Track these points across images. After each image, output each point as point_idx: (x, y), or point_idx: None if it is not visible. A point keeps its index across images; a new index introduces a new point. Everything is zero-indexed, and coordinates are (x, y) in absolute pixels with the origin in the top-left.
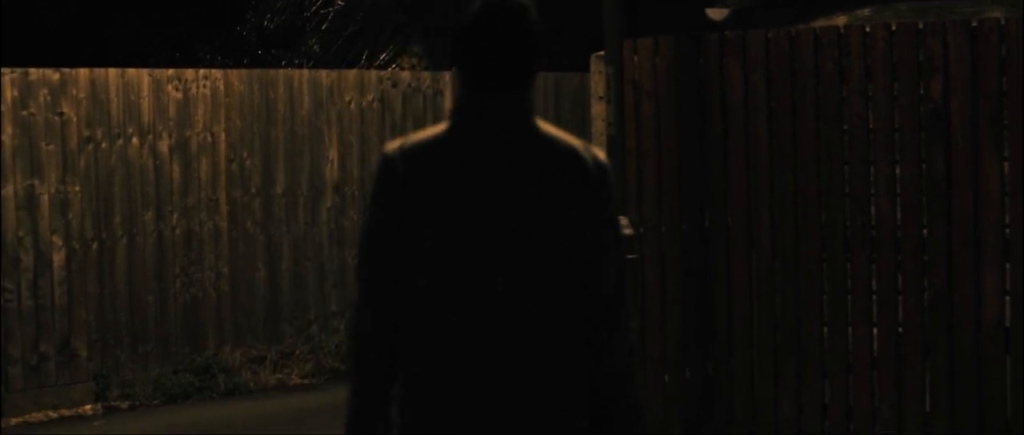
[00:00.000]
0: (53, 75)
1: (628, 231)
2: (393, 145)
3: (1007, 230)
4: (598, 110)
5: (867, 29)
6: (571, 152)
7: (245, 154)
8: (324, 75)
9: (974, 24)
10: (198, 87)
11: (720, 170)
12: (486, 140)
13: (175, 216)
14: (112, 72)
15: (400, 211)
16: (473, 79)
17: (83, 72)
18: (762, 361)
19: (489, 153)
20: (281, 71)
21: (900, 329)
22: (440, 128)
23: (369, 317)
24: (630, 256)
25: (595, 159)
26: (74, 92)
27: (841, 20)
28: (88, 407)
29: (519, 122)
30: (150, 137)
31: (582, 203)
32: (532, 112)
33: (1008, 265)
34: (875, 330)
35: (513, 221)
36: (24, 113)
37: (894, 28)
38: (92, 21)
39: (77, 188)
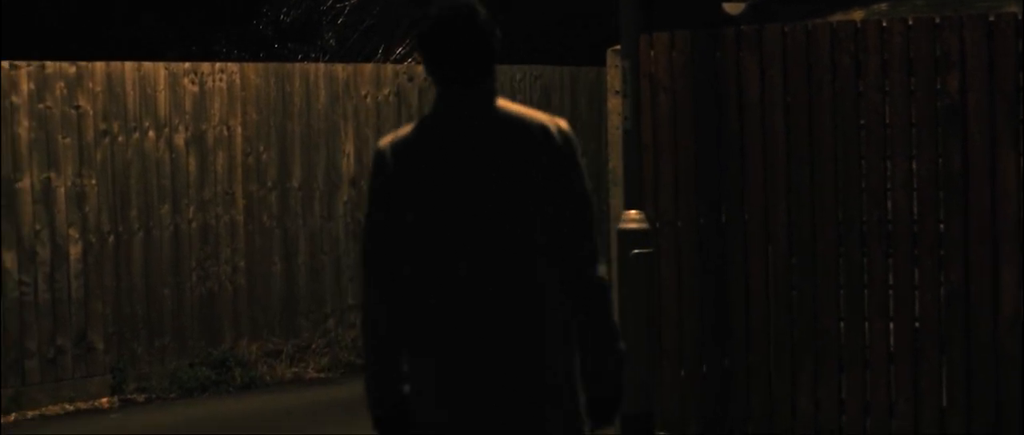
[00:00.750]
0: (69, 68)
1: (643, 225)
2: (385, 140)
3: None
4: (614, 104)
5: (884, 24)
6: (529, 125)
7: (261, 148)
8: (340, 69)
9: (991, 19)
10: (214, 80)
11: (736, 165)
12: (451, 130)
13: (191, 209)
14: (128, 65)
15: (389, 203)
16: (437, 78)
17: (99, 65)
18: (779, 356)
19: (453, 141)
20: (297, 65)
21: (917, 324)
22: (419, 123)
23: (377, 305)
24: (645, 251)
25: (557, 127)
26: (90, 85)
27: (858, 15)
28: (104, 400)
29: (480, 110)
30: (166, 130)
31: (542, 169)
32: (492, 99)
33: None
34: (892, 325)
35: (478, 200)
36: (41, 106)
37: (911, 23)
38: (109, 14)
39: (93, 181)
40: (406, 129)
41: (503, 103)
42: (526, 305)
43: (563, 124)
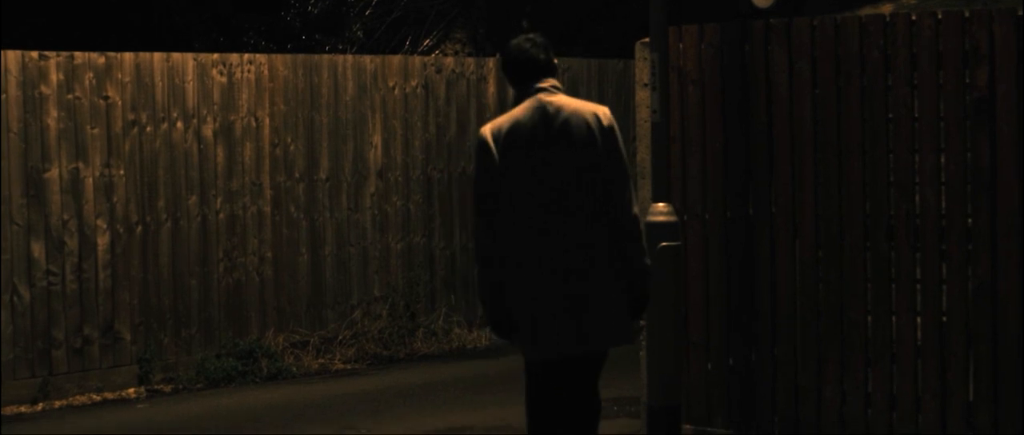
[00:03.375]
0: (98, 59)
1: (671, 218)
2: (487, 128)
3: None
4: (643, 97)
5: (913, 17)
6: (584, 112)
7: (289, 139)
8: (368, 60)
9: (1021, 13)
10: (242, 71)
11: (764, 158)
12: (534, 116)
13: (219, 200)
14: (157, 56)
15: (496, 167)
16: (518, 82)
17: (128, 56)
18: (805, 349)
19: (537, 123)
20: (325, 56)
21: (944, 319)
22: (510, 113)
23: (488, 239)
24: (673, 243)
25: (603, 113)
26: (119, 76)
27: (887, 8)
28: (131, 390)
29: (549, 102)
30: (194, 121)
31: (595, 143)
32: (555, 94)
33: None
34: (919, 319)
35: (558, 164)
36: (69, 97)
37: (940, 17)
38: (138, 5)
39: (121, 172)
40: (500, 120)
41: (562, 97)
42: (593, 238)
43: (605, 110)
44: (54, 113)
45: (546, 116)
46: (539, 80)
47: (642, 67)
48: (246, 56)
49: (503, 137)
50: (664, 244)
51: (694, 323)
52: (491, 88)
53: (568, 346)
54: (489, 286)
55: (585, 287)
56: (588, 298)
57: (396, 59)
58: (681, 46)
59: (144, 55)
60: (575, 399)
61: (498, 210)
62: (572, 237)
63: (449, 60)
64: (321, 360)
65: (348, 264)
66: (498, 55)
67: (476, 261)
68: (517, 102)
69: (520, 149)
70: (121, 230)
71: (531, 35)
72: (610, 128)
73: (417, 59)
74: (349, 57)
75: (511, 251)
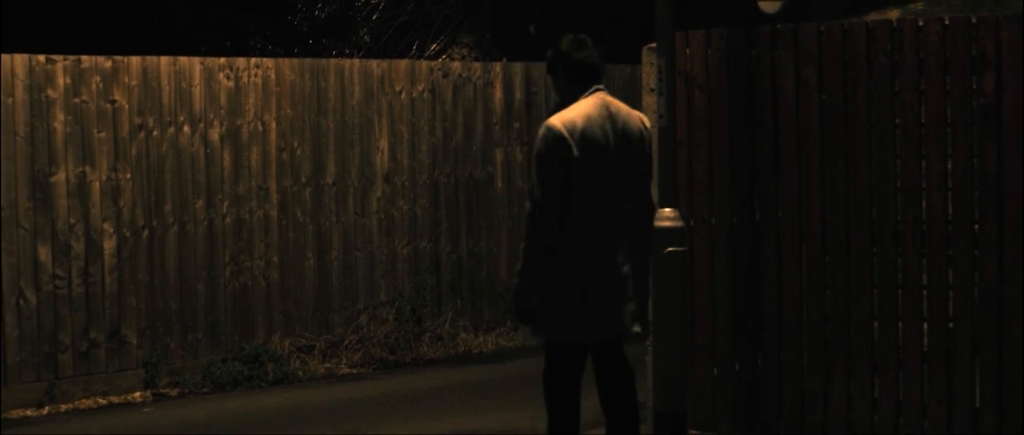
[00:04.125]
0: (105, 63)
1: (677, 223)
2: (558, 122)
3: None
4: (649, 102)
5: (920, 23)
6: (633, 115)
7: (296, 143)
8: (375, 65)
9: None
10: (249, 75)
11: (771, 164)
12: (596, 116)
13: (225, 204)
14: (164, 60)
15: (571, 160)
16: (574, 81)
17: (135, 60)
18: (812, 354)
19: (599, 123)
20: (332, 60)
21: (950, 325)
22: (572, 110)
23: (553, 229)
24: (679, 249)
25: (645, 120)
26: (126, 80)
27: (894, 13)
28: (137, 394)
29: (606, 101)
30: (201, 125)
31: (645, 147)
32: (609, 94)
33: None
34: (925, 325)
35: (618, 162)
36: (76, 100)
37: (947, 22)
38: (144, 9)
39: (128, 175)
40: (566, 115)
41: (615, 99)
42: (638, 231)
43: (644, 116)
44: (61, 117)
45: (611, 116)
46: (599, 81)
47: (649, 72)
48: (253, 60)
49: (578, 133)
50: (670, 249)
51: (700, 328)
52: (498, 93)
53: (619, 328)
54: (528, 280)
55: (628, 274)
56: (629, 284)
57: (403, 63)
58: (688, 51)
59: (151, 59)
60: (616, 368)
61: (567, 202)
62: (622, 229)
63: (456, 65)
64: (327, 364)
65: (354, 268)
66: (551, 54)
67: (533, 252)
68: (567, 101)
69: (593, 146)
70: (127, 234)
71: (582, 36)
72: (648, 132)
73: (424, 63)
74: (356, 61)
75: (571, 241)
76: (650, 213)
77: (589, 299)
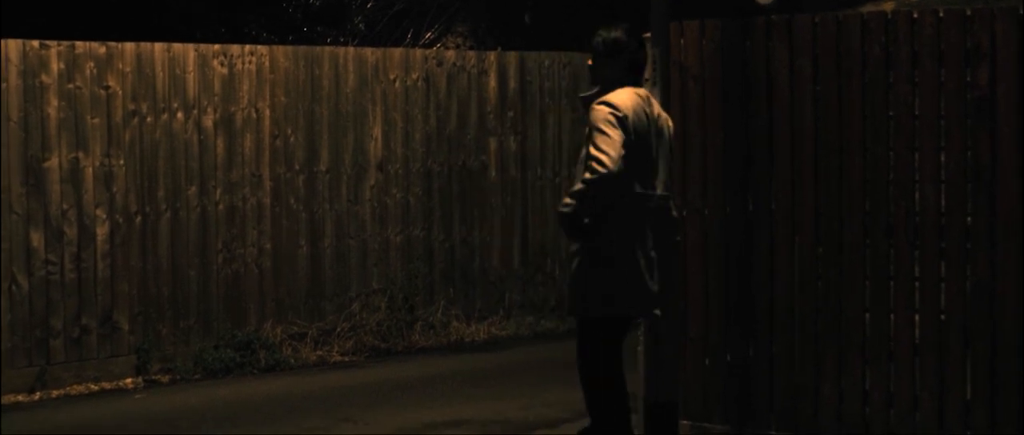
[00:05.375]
0: (99, 49)
1: (674, 214)
2: (614, 101)
3: None
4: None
5: (915, 15)
6: (663, 113)
7: (289, 130)
8: (369, 53)
9: (1022, 12)
10: (243, 63)
11: (765, 155)
12: (643, 106)
13: (218, 191)
14: (158, 46)
15: (627, 140)
16: (624, 71)
17: (129, 46)
18: (803, 346)
19: (646, 112)
20: (326, 48)
21: (942, 317)
22: (619, 97)
23: (611, 179)
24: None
25: (669, 120)
26: (120, 66)
27: (888, 5)
28: (129, 380)
29: (645, 93)
30: (195, 112)
31: (669, 143)
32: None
33: None
34: (917, 317)
35: (654, 151)
36: (70, 86)
37: (941, 15)
38: None
39: (121, 162)
40: (619, 100)
41: (645, 91)
42: (670, 219)
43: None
44: (54, 102)
45: (650, 107)
46: (643, 76)
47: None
48: (247, 47)
49: (630, 118)
50: None
51: (693, 318)
52: (492, 82)
53: (647, 307)
54: (588, 252)
55: (655, 258)
56: (655, 267)
57: (397, 52)
58: (682, 42)
59: (145, 45)
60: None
61: (621, 178)
62: (653, 215)
63: (450, 53)
64: (319, 352)
65: (347, 256)
66: (606, 41)
67: (591, 204)
68: (607, 90)
69: (639, 132)
70: (120, 220)
71: (640, 33)
72: (672, 131)
73: (418, 52)
74: (350, 49)
75: (614, 220)
76: (672, 204)
77: (625, 277)
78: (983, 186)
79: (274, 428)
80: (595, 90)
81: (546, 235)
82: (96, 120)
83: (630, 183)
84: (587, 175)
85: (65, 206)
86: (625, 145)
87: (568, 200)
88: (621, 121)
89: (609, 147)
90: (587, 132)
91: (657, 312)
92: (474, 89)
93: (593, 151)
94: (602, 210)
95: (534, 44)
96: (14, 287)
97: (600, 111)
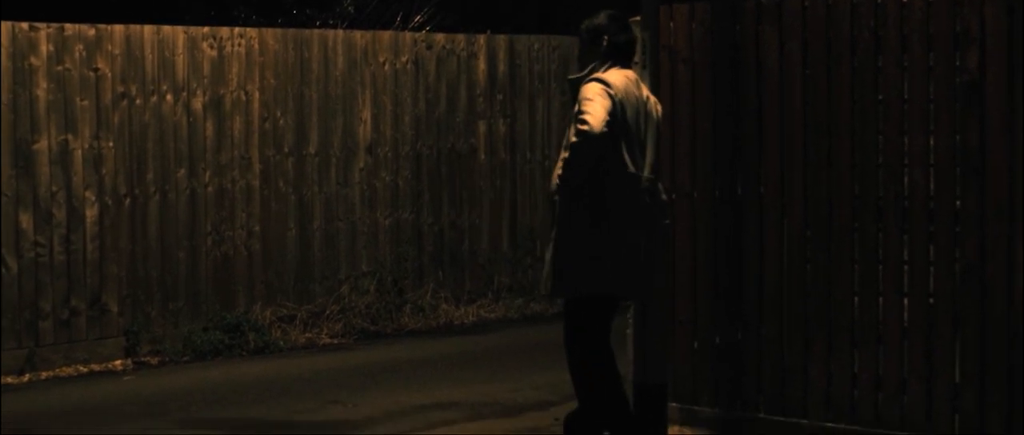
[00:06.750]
0: (88, 31)
1: (662, 197)
2: (607, 79)
3: None
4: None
5: None
6: (652, 97)
7: (278, 113)
8: (359, 36)
9: None
10: (233, 45)
11: (753, 138)
12: (633, 87)
13: (208, 174)
14: (147, 29)
15: (614, 117)
16: (614, 55)
17: (118, 28)
18: (792, 329)
19: (636, 93)
20: (316, 31)
21: (931, 300)
22: (614, 77)
23: (597, 142)
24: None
25: (658, 105)
26: (109, 48)
27: None
28: (118, 362)
29: (638, 78)
30: (184, 94)
31: (657, 127)
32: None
33: None
34: (906, 300)
35: (643, 133)
36: (59, 68)
37: None
38: None
39: (111, 144)
40: (611, 79)
41: (634, 75)
42: (658, 202)
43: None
44: (44, 85)
45: (640, 89)
46: (631, 61)
47: (635, 48)
48: (236, 30)
49: (620, 99)
50: None
51: (681, 301)
52: (481, 65)
53: (636, 287)
54: (576, 231)
55: (642, 239)
56: (642, 249)
57: (386, 35)
58: (672, 25)
59: (135, 28)
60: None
61: (604, 160)
62: (643, 196)
63: (440, 36)
64: (308, 334)
65: (336, 239)
66: (590, 27)
67: (580, 170)
68: (593, 69)
69: (628, 111)
70: (110, 202)
71: (624, 19)
72: (660, 116)
73: (408, 35)
74: (339, 32)
75: (602, 200)
76: (660, 187)
77: (615, 255)
78: (972, 170)
79: (263, 410)
80: (583, 73)
81: (535, 218)
82: (85, 102)
83: (620, 161)
84: (573, 138)
85: (54, 188)
86: (612, 115)
87: (558, 172)
88: (611, 96)
89: (595, 110)
90: (574, 111)
91: (648, 292)
92: (463, 72)
93: (580, 115)
94: (593, 186)
95: (521, 28)
96: (3, 269)
97: (591, 86)
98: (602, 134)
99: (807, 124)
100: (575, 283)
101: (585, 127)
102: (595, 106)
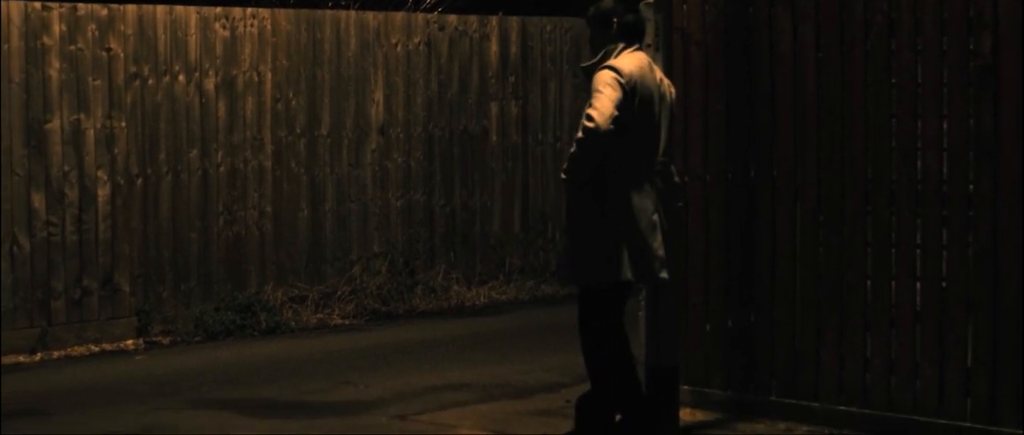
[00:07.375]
0: (101, 11)
1: (675, 179)
2: (620, 66)
3: None
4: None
5: None
6: (665, 79)
7: (291, 94)
8: (371, 17)
9: None
10: (246, 26)
11: (766, 121)
12: (647, 70)
13: (220, 154)
14: (160, 9)
15: (627, 104)
16: (624, 37)
17: (131, 8)
18: (804, 313)
19: (651, 77)
20: (328, 12)
21: (944, 284)
22: (624, 61)
23: (602, 137)
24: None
25: (672, 86)
26: (122, 28)
27: None
28: (130, 342)
29: (651, 60)
30: (197, 75)
31: (671, 109)
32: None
33: None
34: (918, 284)
35: (657, 117)
36: (72, 48)
37: None
38: None
39: (123, 124)
40: (623, 64)
41: (648, 57)
42: (672, 183)
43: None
44: (56, 64)
45: (653, 72)
46: (643, 41)
47: (646, 28)
48: (249, 10)
49: (635, 84)
50: None
51: (694, 284)
52: (494, 46)
53: (651, 272)
54: (587, 219)
55: (658, 222)
56: (658, 231)
57: (399, 16)
58: (685, 8)
59: (147, 8)
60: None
61: (618, 146)
62: (657, 179)
63: (452, 18)
64: (320, 315)
65: (348, 220)
66: (595, 14)
67: (585, 163)
68: (606, 54)
69: (644, 98)
70: (122, 182)
71: None
72: (674, 98)
73: (420, 16)
74: (352, 13)
75: (615, 185)
76: (673, 170)
77: (627, 241)
78: (985, 154)
79: (274, 390)
80: (595, 59)
81: (547, 200)
82: (98, 82)
83: (631, 148)
84: (578, 134)
85: (66, 168)
86: (624, 106)
87: (566, 165)
88: (622, 84)
89: (602, 105)
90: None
91: (664, 275)
92: (476, 54)
93: (586, 109)
94: (601, 175)
95: (534, 9)
96: (15, 248)
97: (603, 74)
98: (608, 131)
99: (820, 107)
100: (588, 272)
101: (591, 124)
102: (603, 100)
